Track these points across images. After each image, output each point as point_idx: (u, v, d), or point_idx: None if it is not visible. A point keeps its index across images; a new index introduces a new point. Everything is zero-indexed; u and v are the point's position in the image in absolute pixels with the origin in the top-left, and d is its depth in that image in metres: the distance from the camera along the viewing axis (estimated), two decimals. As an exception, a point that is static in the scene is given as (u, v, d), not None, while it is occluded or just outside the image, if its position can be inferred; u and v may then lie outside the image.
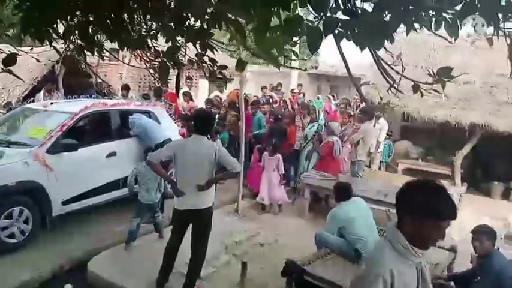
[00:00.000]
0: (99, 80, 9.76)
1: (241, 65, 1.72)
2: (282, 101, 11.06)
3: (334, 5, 1.58)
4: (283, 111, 9.45)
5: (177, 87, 10.75)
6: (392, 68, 1.87)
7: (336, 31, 1.58)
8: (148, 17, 2.54)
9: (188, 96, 9.58)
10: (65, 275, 4.75)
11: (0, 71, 1.87)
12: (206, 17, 2.24)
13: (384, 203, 6.19)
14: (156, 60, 3.19)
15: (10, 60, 1.82)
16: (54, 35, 2.26)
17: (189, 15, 2.32)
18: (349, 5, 1.58)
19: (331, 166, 7.16)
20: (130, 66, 4.86)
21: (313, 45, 1.52)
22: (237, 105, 7.80)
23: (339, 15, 1.74)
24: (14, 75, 1.92)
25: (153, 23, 2.35)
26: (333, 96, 12.98)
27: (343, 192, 4.88)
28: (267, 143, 7.39)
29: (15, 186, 4.80)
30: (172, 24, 2.24)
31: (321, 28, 1.51)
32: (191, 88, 10.70)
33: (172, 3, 2.41)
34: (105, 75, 10.11)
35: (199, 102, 10.93)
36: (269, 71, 15.43)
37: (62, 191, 5.26)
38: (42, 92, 7.69)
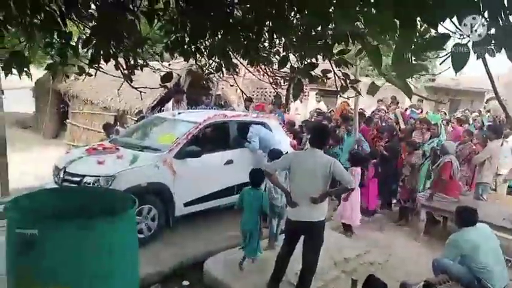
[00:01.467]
0: (217, 93, 10.42)
1: (374, 89, 1.72)
2: (393, 115, 10.59)
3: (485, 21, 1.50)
4: (394, 126, 9.06)
5: (287, 100, 11.03)
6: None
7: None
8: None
9: (284, 108, 9.86)
10: (183, 272, 5.15)
11: (158, 86, 2.16)
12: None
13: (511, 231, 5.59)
14: (279, 76, 3.34)
15: (167, 77, 2.09)
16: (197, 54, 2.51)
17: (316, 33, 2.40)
18: (501, 19, 1.49)
19: (450, 187, 6.63)
20: (255, 76, 5.11)
21: (459, 64, 1.46)
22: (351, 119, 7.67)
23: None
24: (168, 89, 2.19)
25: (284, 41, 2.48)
26: (444, 112, 12.07)
27: (468, 216, 4.50)
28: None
29: (146, 187, 5.31)
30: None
31: (470, 46, 1.45)
32: (302, 100, 10.85)
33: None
34: (222, 88, 10.74)
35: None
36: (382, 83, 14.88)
37: (185, 193, 5.71)
38: (171, 102, 8.44)
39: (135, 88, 2.45)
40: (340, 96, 2.57)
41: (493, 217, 5.77)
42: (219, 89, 10.54)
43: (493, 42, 1.46)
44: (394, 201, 7.68)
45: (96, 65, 2.45)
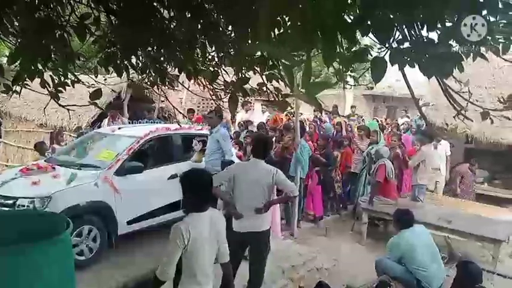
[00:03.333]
0: (161, 105, 10.25)
1: (284, 106, 1.77)
2: (335, 124, 10.96)
3: (399, 35, 1.61)
4: (335, 134, 9.42)
5: (232, 111, 10.94)
6: (460, 96, 1.85)
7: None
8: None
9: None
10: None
11: (88, 104, 2.09)
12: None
13: (447, 229, 5.94)
14: (219, 88, 3.35)
15: (97, 94, 2.03)
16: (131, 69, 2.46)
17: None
18: (414, 34, 1.60)
19: (387, 190, 6.96)
20: (190, 91, 5.09)
21: (377, 75, 1.55)
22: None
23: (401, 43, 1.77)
24: (99, 107, 2.14)
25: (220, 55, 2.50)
26: (362, 119, 12.76)
27: (404, 220, 4.74)
28: None
29: (85, 206, 5.08)
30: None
31: (386, 58, 1.55)
32: (248, 111, 10.95)
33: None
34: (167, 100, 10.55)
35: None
36: (323, 93, 15.39)
37: (127, 211, 5.52)
38: (107, 117, 8.18)
39: (63, 106, 2.35)
40: (274, 110, 2.63)
41: (429, 217, 6.11)
42: (163, 101, 10.36)
43: (407, 55, 1.56)
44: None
45: (21, 83, 2.33)
